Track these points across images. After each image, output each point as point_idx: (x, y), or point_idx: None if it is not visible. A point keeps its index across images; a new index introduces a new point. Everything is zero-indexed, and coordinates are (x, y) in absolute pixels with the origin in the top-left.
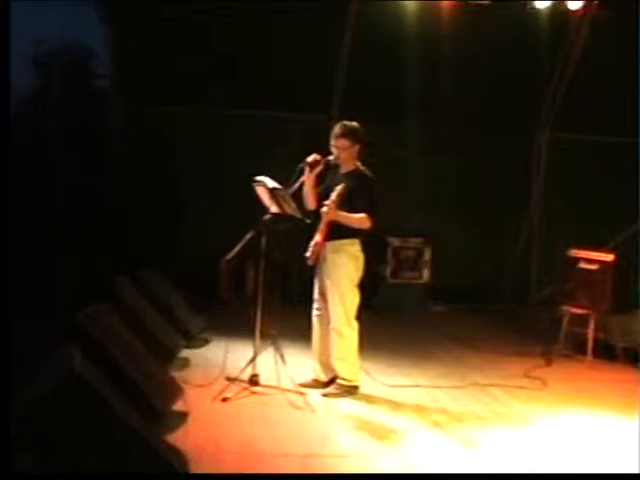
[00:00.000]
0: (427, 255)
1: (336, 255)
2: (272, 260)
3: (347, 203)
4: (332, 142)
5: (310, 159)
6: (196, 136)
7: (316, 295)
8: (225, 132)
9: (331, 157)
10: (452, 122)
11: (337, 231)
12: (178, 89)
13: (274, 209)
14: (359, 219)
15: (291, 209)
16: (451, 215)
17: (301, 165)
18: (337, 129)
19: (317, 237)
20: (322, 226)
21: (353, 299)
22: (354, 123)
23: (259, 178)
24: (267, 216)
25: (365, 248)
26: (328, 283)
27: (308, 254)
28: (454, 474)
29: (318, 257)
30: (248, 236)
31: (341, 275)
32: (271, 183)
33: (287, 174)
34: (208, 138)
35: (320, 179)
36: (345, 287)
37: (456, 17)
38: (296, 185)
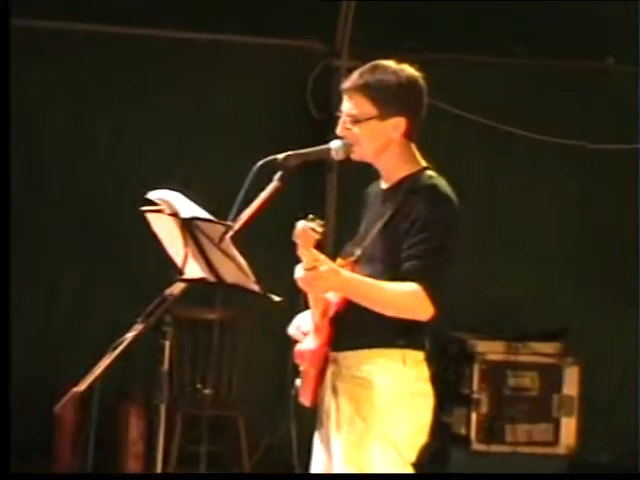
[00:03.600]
0: (570, 382)
1: (360, 387)
2: (184, 398)
3: (384, 256)
4: (342, 109)
5: (300, 229)
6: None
7: (316, 466)
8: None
9: (336, 146)
10: None
11: (358, 325)
12: None
13: (194, 270)
14: (406, 295)
15: (237, 271)
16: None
17: (263, 163)
18: (355, 78)
19: (310, 340)
20: (320, 312)
21: None
22: (399, 66)
23: (158, 195)
24: (175, 289)
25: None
26: (342, 453)
27: (298, 383)
28: (453, 474)
29: (316, 391)
30: (127, 339)
31: (374, 437)
32: (186, 206)
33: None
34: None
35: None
36: (382, 463)
37: None
38: (251, 209)
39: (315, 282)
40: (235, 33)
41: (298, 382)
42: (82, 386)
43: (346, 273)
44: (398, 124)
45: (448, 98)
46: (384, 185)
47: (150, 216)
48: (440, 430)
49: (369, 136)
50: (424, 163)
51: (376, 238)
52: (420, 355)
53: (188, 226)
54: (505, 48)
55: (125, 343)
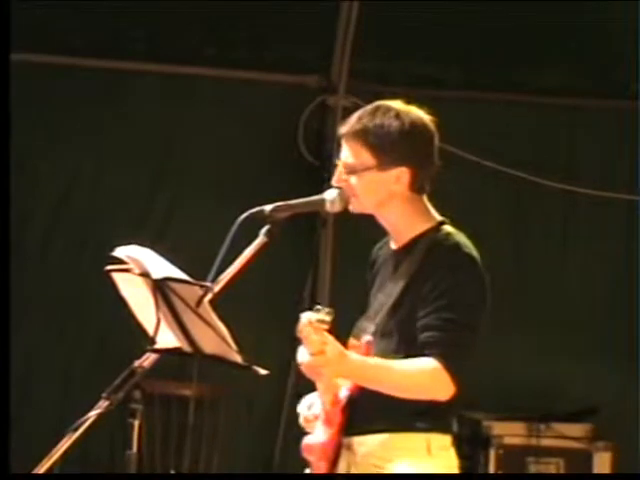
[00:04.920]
0: (600, 469)
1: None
2: None
3: (399, 329)
4: (340, 156)
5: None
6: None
7: None
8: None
9: (331, 197)
10: None
11: (374, 406)
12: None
13: (167, 339)
14: (422, 375)
15: (216, 340)
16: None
17: (248, 215)
18: (353, 122)
19: (320, 431)
20: (331, 400)
21: None
22: (405, 108)
23: (125, 252)
24: (146, 361)
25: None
26: None
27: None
28: (452, 474)
29: None
30: (90, 417)
31: None
32: (158, 264)
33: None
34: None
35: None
36: None
37: None
38: (233, 268)
39: (322, 369)
40: (216, 66)
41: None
42: (39, 471)
43: (355, 356)
44: (401, 175)
45: (461, 142)
46: (394, 245)
47: (116, 276)
48: None
49: (368, 188)
50: (439, 217)
51: (390, 309)
52: (447, 439)
53: (160, 288)
54: (526, 82)
55: (88, 422)
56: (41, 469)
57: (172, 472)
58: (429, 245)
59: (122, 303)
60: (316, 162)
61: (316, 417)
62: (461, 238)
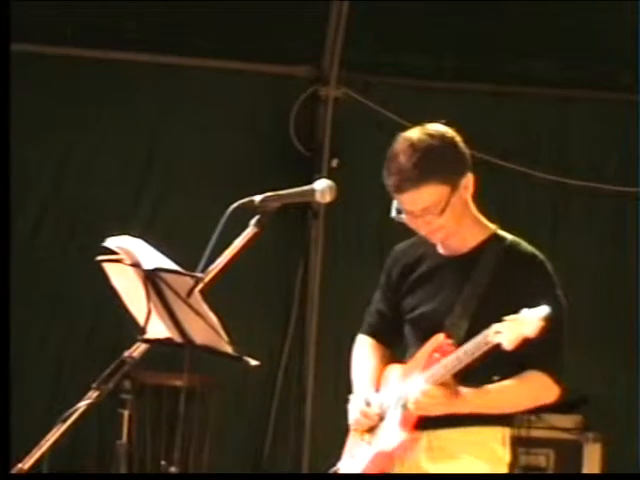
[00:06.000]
0: (590, 460)
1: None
2: None
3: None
4: (399, 198)
5: None
6: None
7: None
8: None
9: (321, 187)
10: None
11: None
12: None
13: (157, 329)
14: (532, 388)
15: (207, 331)
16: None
17: (238, 205)
18: (407, 170)
19: (394, 433)
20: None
21: None
22: (443, 128)
23: (117, 242)
24: (136, 351)
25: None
26: None
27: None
28: (454, 474)
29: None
30: (80, 407)
31: None
32: (149, 255)
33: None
34: None
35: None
36: None
37: None
38: (224, 259)
39: (433, 409)
40: (209, 56)
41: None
42: (27, 463)
43: (464, 392)
44: (467, 182)
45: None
46: (442, 250)
47: (107, 266)
48: None
49: (453, 215)
50: (489, 222)
51: (470, 318)
52: (509, 433)
53: (151, 278)
54: (515, 74)
55: (77, 413)
56: (30, 459)
57: (162, 462)
58: (500, 253)
59: (113, 293)
60: (307, 153)
61: (379, 416)
62: (527, 245)
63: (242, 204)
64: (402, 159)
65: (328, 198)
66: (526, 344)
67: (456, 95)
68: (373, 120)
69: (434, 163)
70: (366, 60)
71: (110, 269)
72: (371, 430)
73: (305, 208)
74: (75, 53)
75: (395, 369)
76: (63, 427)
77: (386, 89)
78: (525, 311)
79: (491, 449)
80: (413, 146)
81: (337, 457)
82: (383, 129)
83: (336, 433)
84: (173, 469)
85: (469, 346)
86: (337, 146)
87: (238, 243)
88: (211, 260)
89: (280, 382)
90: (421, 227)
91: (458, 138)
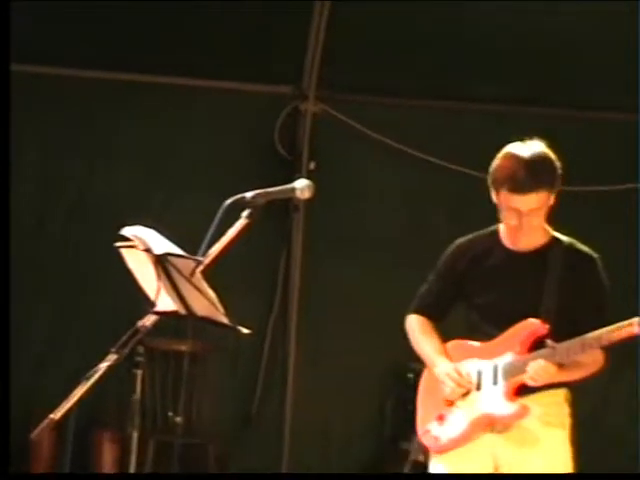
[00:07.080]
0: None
1: (548, 431)
2: (156, 426)
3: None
4: (514, 198)
5: None
6: None
7: None
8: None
9: (301, 186)
10: None
11: None
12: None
13: (166, 303)
14: (596, 363)
15: (207, 304)
16: None
17: (232, 201)
18: (530, 168)
19: (506, 402)
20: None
21: None
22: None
23: (132, 231)
24: (148, 321)
25: None
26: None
27: (427, 438)
28: (456, 474)
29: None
30: (101, 368)
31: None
32: (159, 242)
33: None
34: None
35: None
36: None
37: None
38: (220, 245)
39: (544, 381)
40: (204, 78)
41: (427, 436)
42: (58, 414)
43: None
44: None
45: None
46: (514, 246)
47: (124, 251)
48: (399, 457)
49: (545, 216)
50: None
51: (555, 303)
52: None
53: (161, 261)
54: (479, 91)
55: (99, 373)
56: (60, 411)
57: (170, 414)
58: (562, 252)
59: (128, 274)
60: (289, 157)
61: (470, 384)
62: (582, 245)
63: (235, 200)
64: (525, 167)
65: (307, 195)
66: (585, 323)
67: (431, 111)
68: (345, 131)
69: (547, 174)
70: (339, 81)
71: (126, 253)
72: (464, 396)
73: (288, 203)
74: (92, 75)
75: (463, 346)
76: (87, 384)
77: (356, 105)
78: None
79: (561, 408)
80: (534, 157)
81: (315, 410)
82: (353, 139)
83: (313, 391)
84: (179, 419)
85: (599, 333)
86: (314, 152)
87: (232, 232)
88: (209, 247)
89: (267, 348)
90: (520, 222)
91: (556, 166)
